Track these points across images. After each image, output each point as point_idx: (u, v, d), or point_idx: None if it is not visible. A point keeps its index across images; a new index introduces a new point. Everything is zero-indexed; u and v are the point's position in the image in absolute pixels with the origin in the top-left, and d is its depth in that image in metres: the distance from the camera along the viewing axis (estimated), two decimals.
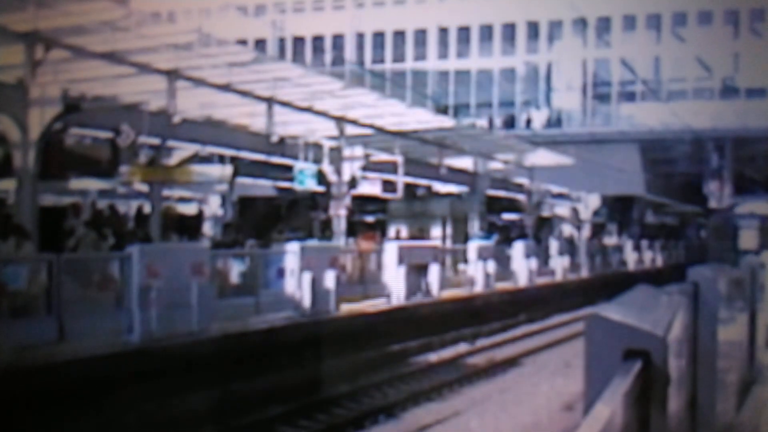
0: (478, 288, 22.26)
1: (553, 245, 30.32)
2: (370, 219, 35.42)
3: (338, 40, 50.94)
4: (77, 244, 16.24)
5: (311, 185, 22.55)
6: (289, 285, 14.91)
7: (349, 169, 23.76)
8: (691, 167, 47.23)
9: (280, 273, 15.26)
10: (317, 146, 22.77)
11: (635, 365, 2.69)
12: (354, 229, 24.50)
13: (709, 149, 37.82)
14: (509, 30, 49.10)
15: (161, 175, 17.76)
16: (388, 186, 27.33)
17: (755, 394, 8.14)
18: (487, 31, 49.40)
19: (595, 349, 2.81)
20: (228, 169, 20.96)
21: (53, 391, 9.68)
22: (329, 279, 15.33)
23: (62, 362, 10.09)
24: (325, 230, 26.82)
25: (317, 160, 22.59)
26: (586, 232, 42.89)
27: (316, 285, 14.86)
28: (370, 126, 23.56)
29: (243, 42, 37.67)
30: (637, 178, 44.20)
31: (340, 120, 22.33)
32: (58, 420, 9.57)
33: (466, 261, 23.52)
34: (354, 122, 22.83)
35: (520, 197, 35.99)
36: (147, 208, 19.19)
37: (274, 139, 19.88)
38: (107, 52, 15.36)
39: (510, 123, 47.92)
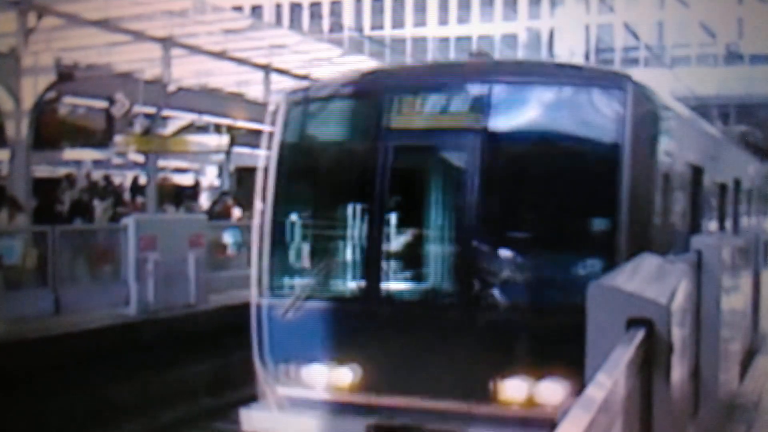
0: None
1: None
2: None
3: (336, 6, 50.42)
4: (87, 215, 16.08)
5: None
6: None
7: None
8: None
9: None
10: None
11: (638, 334, 2.62)
12: None
13: (713, 116, 37.55)
14: None
15: (157, 145, 17.57)
16: None
17: (759, 363, 8.06)
18: None
19: (598, 317, 2.75)
20: (225, 139, 20.71)
21: (48, 363, 9.60)
22: None
23: (55, 336, 10.00)
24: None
25: None
26: None
27: None
28: None
29: (239, 8, 37.28)
30: None
31: None
32: (52, 393, 9.49)
33: None
34: None
35: None
36: (142, 179, 19.04)
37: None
38: (101, 19, 15.16)
39: None
